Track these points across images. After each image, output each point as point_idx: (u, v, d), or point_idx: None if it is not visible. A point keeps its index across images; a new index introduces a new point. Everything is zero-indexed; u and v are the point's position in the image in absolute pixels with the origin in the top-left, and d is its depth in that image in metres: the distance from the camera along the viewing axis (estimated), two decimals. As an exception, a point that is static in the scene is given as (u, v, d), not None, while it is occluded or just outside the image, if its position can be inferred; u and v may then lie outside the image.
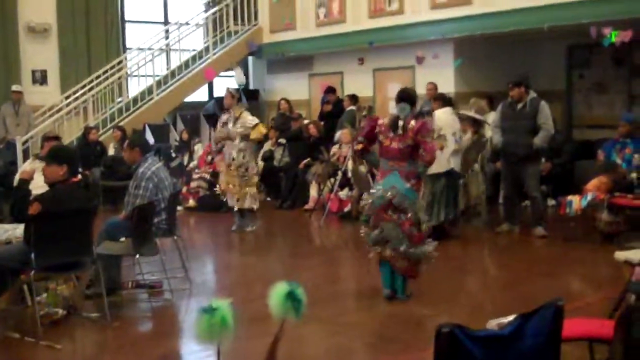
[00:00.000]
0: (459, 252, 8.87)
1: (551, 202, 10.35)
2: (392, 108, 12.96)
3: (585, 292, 6.56)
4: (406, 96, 6.22)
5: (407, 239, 6.05)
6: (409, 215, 6.03)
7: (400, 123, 6.05)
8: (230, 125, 9.35)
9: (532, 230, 8.83)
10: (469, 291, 6.88)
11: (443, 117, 8.68)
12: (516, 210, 9.17)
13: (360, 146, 6.64)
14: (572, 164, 10.63)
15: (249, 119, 9.38)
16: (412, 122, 6.04)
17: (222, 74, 15.68)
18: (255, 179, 9.72)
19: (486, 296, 6.52)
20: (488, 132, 9.54)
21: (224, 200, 10.24)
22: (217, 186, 10.17)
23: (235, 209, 9.60)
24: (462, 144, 9.63)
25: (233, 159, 9.36)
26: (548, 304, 3.02)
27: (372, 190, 6.32)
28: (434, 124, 7.99)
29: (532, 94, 8.76)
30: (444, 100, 9.10)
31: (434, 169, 8.02)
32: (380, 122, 6.25)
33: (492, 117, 9.63)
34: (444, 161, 8.46)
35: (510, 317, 3.04)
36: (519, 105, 8.72)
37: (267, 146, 12.78)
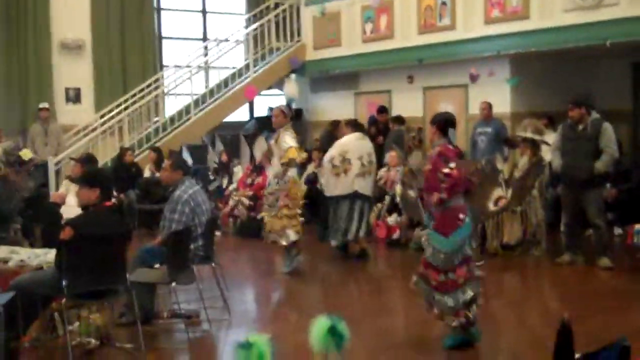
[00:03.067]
0: (516, 284, 8.77)
1: (617, 231, 10.18)
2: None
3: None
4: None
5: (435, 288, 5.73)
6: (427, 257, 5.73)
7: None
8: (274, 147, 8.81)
9: (596, 262, 8.68)
10: (527, 327, 6.78)
11: (350, 141, 9.51)
12: (578, 239, 9.04)
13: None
14: (640, 190, 10.45)
15: (286, 139, 8.69)
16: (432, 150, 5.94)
17: (263, 92, 15.80)
18: (294, 211, 8.86)
19: (545, 333, 6.39)
20: (547, 155, 9.44)
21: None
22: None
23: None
24: (519, 167, 9.56)
25: (268, 184, 8.96)
26: (613, 343, 2.97)
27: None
28: (340, 149, 9.38)
29: (595, 115, 8.65)
30: (354, 126, 9.86)
31: (338, 191, 9.33)
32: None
33: (552, 138, 9.54)
34: (348, 184, 9.29)
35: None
36: (580, 127, 8.62)
37: (310, 168, 12.81)
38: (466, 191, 5.80)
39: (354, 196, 9.40)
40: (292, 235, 8.79)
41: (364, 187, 9.44)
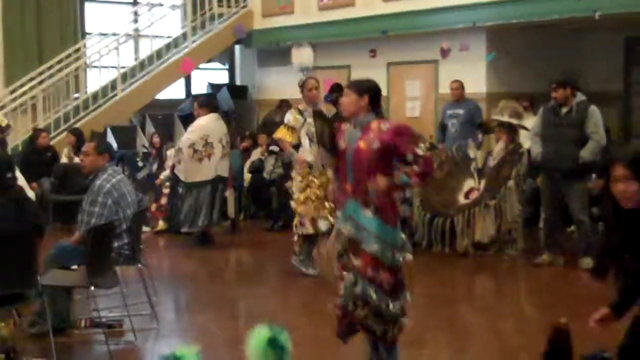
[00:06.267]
0: (488, 288, 8.89)
1: (602, 227, 10.35)
2: (411, 109, 13.30)
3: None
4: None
5: (374, 287, 5.16)
6: (369, 251, 5.17)
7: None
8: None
9: (579, 262, 8.83)
10: (500, 337, 6.88)
11: (209, 123, 10.38)
12: (559, 237, 9.17)
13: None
14: (630, 182, 10.66)
15: None
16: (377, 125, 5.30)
17: (202, 66, 15.72)
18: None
19: (520, 342, 6.51)
20: (526, 141, 9.56)
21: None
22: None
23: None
24: (494, 155, 9.68)
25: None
26: (591, 354, 3.03)
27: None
28: (200, 133, 10.19)
29: (580, 97, 8.78)
30: (209, 106, 10.66)
31: (200, 177, 10.21)
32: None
33: (531, 122, 9.66)
34: (212, 168, 10.25)
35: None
36: (564, 110, 8.75)
37: (255, 155, 12.80)
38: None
39: (217, 180, 10.35)
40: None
41: (225, 169, 10.52)
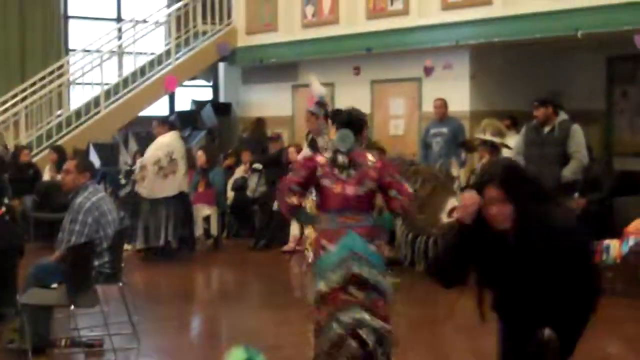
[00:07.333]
0: (470, 307, 8.85)
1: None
2: (394, 127, 13.32)
3: (626, 359, 6.54)
4: (350, 120, 5.45)
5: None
6: (383, 293, 5.20)
7: (341, 159, 5.23)
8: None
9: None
10: (481, 357, 6.86)
11: (173, 141, 10.68)
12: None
13: (294, 200, 5.30)
14: (612, 201, 10.68)
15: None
16: (370, 157, 5.34)
17: (185, 83, 15.72)
18: None
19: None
20: (509, 160, 9.58)
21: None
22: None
23: None
24: (477, 173, 9.67)
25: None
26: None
27: (322, 264, 5.26)
28: (165, 150, 10.43)
29: (563, 116, 8.81)
30: (170, 124, 11.11)
31: (165, 193, 10.41)
32: (320, 159, 5.34)
33: (514, 140, 9.68)
34: (177, 185, 10.53)
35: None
36: (546, 129, 8.77)
37: (239, 172, 12.78)
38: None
39: (184, 195, 10.75)
40: None
41: (186, 186, 10.89)
